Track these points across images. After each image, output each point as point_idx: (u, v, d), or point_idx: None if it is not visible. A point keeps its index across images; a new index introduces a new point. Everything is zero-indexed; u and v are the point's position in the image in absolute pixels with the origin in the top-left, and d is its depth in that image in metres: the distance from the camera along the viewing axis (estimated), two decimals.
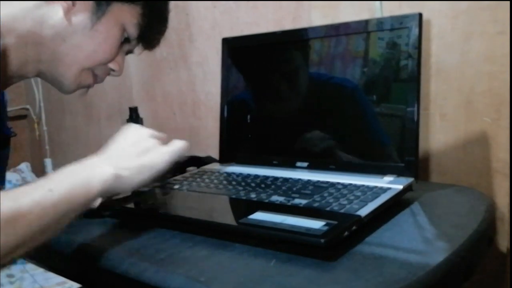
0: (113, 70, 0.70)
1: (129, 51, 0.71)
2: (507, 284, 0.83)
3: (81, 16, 0.62)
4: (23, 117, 2.27)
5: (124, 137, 0.62)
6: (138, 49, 0.71)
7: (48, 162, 2.21)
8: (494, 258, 0.83)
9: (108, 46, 0.65)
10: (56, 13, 0.61)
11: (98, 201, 0.56)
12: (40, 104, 2.18)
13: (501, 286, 0.85)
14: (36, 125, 2.22)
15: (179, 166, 0.62)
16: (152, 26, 0.68)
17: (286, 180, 0.75)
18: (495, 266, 0.84)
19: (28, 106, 2.24)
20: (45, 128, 2.19)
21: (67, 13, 0.61)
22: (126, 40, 0.68)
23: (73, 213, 0.52)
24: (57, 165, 2.18)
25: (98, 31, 0.63)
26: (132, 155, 0.59)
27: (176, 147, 0.61)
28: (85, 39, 0.63)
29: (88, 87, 0.70)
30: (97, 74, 0.69)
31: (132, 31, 0.66)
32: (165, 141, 0.62)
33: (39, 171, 2.24)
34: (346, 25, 0.79)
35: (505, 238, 0.82)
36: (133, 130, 0.63)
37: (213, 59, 1.29)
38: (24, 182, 2.12)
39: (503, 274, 0.84)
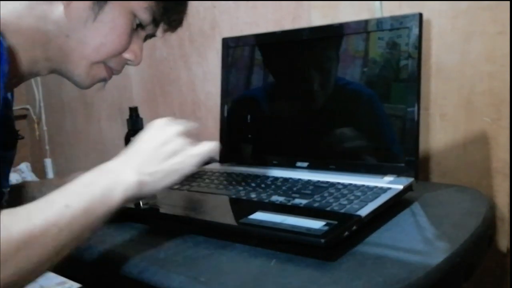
0: (130, 60, 0.65)
1: (151, 35, 0.67)
2: (507, 284, 0.83)
3: (82, 9, 0.58)
4: (23, 117, 2.27)
5: (150, 137, 0.57)
6: (159, 32, 0.66)
7: (48, 162, 2.21)
8: (494, 258, 0.83)
9: (116, 36, 0.61)
10: (57, 8, 0.58)
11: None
12: (40, 104, 2.18)
13: (501, 286, 0.85)
14: (36, 125, 2.22)
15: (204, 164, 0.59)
16: (167, 7, 0.63)
17: (286, 180, 0.75)
18: (495, 266, 0.84)
19: (28, 106, 2.24)
20: (45, 128, 2.19)
21: (66, 7, 0.58)
22: (140, 26, 0.63)
23: (92, 227, 0.48)
24: (57, 165, 2.18)
25: (102, 22, 0.59)
26: (158, 159, 0.54)
27: (206, 149, 0.57)
28: (89, 32, 0.59)
29: (104, 80, 0.66)
30: (111, 66, 0.64)
31: (144, 16, 0.61)
32: (193, 135, 0.58)
33: (39, 171, 2.24)
34: (346, 25, 0.79)
35: (505, 238, 0.82)
36: (159, 129, 0.58)
37: (213, 59, 1.29)
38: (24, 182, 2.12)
39: (503, 274, 0.84)
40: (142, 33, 0.65)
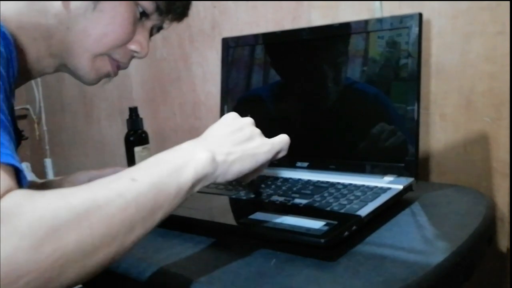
0: (136, 52, 0.63)
1: (159, 28, 0.65)
2: (507, 284, 0.83)
3: None
4: (23, 117, 2.27)
5: (223, 124, 0.56)
6: (166, 24, 0.65)
7: (48, 162, 2.21)
8: (494, 258, 0.83)
9: (118, 26, 0.59)
10: (56, 1, 0.56)
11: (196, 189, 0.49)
12: (40, 104, 2.18)
13: (501, 286, 0.85)
14: (36, 125, 2.22)
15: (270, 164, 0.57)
16: None
17: (286, 180, 0.75)
18: (495, 266, 0.84)
19: (28, 106, 2.24)
20: (45, 128, 2.19)
21: None
22: (144, 15, 0.61)
23: (164, 206, 0.44)
24: (57, 165, 2.18)
25: (103, 11, 0.57)
26: (233, 142, 0.53)
27: (278, 139, 0.57)
28: (90, 23, 0.57)
29: (109, 75, 0.64)
30: (116, 59, 0.62)
31: (147, 4, 0.60)
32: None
33: (39, 171, 2.24)
34: (346, 25, 0.79)
35: (505, 238, 0.82)
36: (232, 119, 0.57)
37: (213, 59, 1.29)
38: None
39: (503, 274, 0.84)
40: (148, 24, 0.63)
